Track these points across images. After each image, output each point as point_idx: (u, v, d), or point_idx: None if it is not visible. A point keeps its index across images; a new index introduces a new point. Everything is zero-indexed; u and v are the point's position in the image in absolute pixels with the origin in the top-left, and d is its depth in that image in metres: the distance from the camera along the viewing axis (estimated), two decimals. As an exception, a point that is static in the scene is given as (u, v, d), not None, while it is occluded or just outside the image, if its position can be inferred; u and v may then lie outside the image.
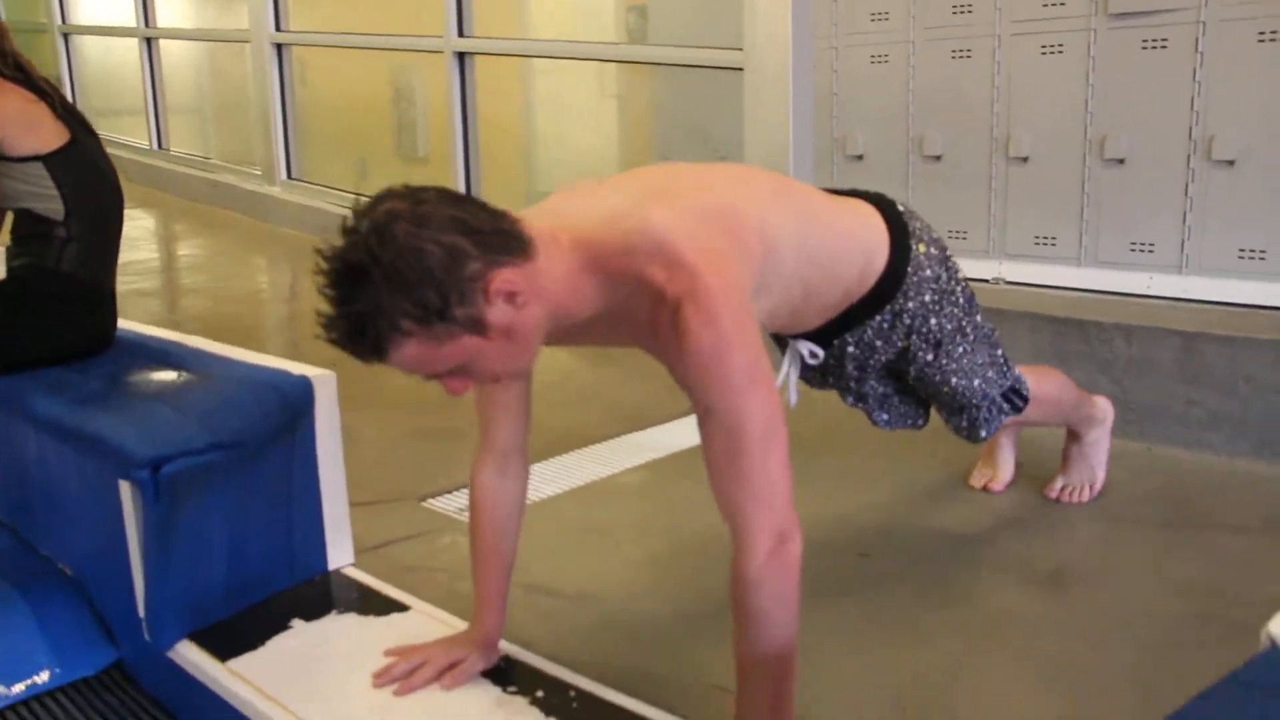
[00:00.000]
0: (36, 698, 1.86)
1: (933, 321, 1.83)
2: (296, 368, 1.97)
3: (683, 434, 2.72)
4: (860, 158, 3.84)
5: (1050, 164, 3.40)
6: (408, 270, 1.21)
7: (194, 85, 7.16)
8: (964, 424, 2.00)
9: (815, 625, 1.79)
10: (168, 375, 2.05)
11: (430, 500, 2.40)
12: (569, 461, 2.65)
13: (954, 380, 1.91)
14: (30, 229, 2.17)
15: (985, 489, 2.33)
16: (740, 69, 3.04)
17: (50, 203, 2.14)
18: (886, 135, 3.76)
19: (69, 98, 2.30)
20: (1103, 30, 3.23)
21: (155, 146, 7.19)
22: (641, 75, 4.63)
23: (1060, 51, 3.34)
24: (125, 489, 1.76)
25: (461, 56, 4.69)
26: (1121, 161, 3.25)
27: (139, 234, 5.82)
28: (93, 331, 2.21)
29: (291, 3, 5.81)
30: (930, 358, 1.86)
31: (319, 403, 1.92)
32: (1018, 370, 2.02)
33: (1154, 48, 3.13)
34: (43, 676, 1.89)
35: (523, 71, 5.09)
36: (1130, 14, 3.16)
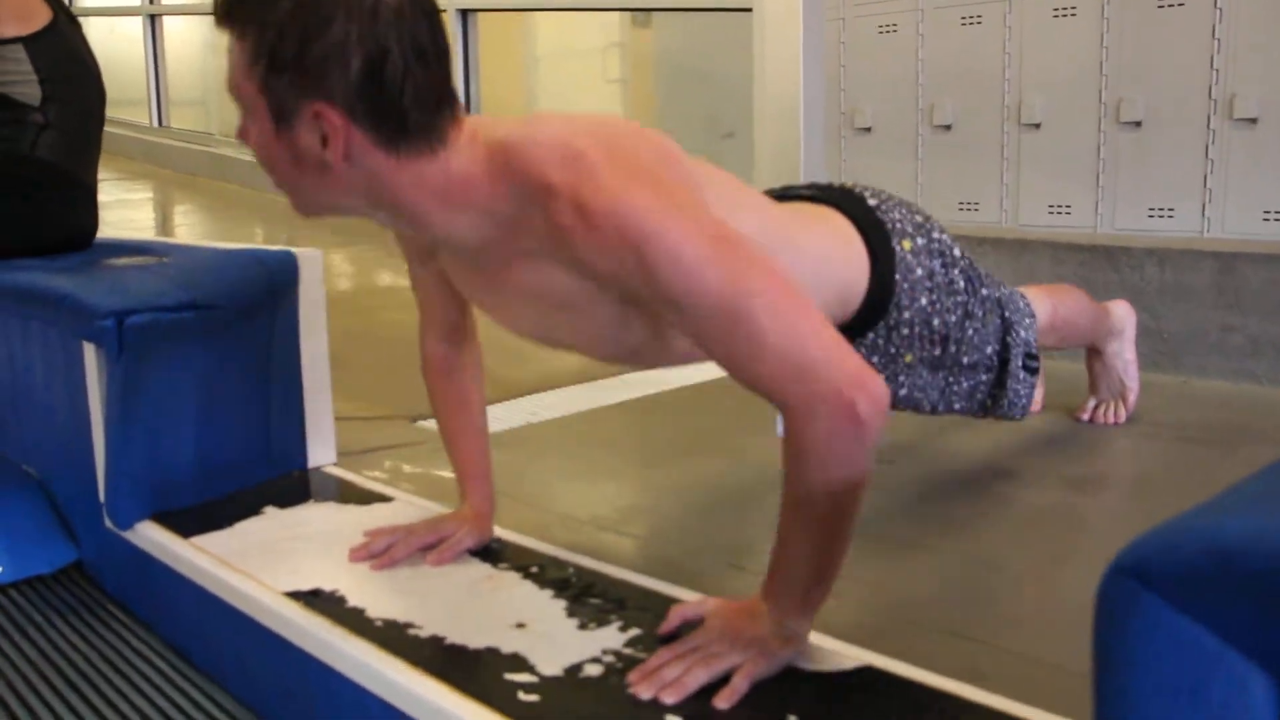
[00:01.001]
0: (-13, 590, 1.74)
1: (935, 322, 1.60)
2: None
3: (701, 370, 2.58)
4: (868, 130, 3.75)
5: (1064, 129, 3.32)
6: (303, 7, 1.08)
7: (198, 62, 7.12)
8: (994, 405, 1.80)
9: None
10: (148, 258, 1.93)
11: (423, 421, 2.27)
12: (573, 393, 2.52)
13: (965, 359, 1.69)
14: (6, 115, 2.07)
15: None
16: (749, 9, 2.97)
17: (27, 87, 2.05)
18: (895, 106, 3.68)
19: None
20: (1119, -10, 3.16)
21: (156, 124, 7.13)
22: (644, 60, 4.57)
23: (1073, 14, 3.26)
24: (89, 353, 1.64)
25: (465, 14, 4.62)
26: (1138, 124, 3.16)
27: (136, 200, 5.71)
28: (71, 224, 2.11)
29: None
30: (939, 353, 1.65)
31: (304, 280, 1.80)
32: (1027, 320, 1.79)
33: (1171, 5, 3.06)
34: (-5, 571, 1.77)
35: (526, 59, 5.03)
36: (1146, -29, 3.09)
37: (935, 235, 1.61)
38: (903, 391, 1.65)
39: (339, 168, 1.13)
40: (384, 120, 1.11)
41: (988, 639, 1.32)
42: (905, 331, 1.57)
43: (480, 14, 4.71)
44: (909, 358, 1.60)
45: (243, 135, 1.21)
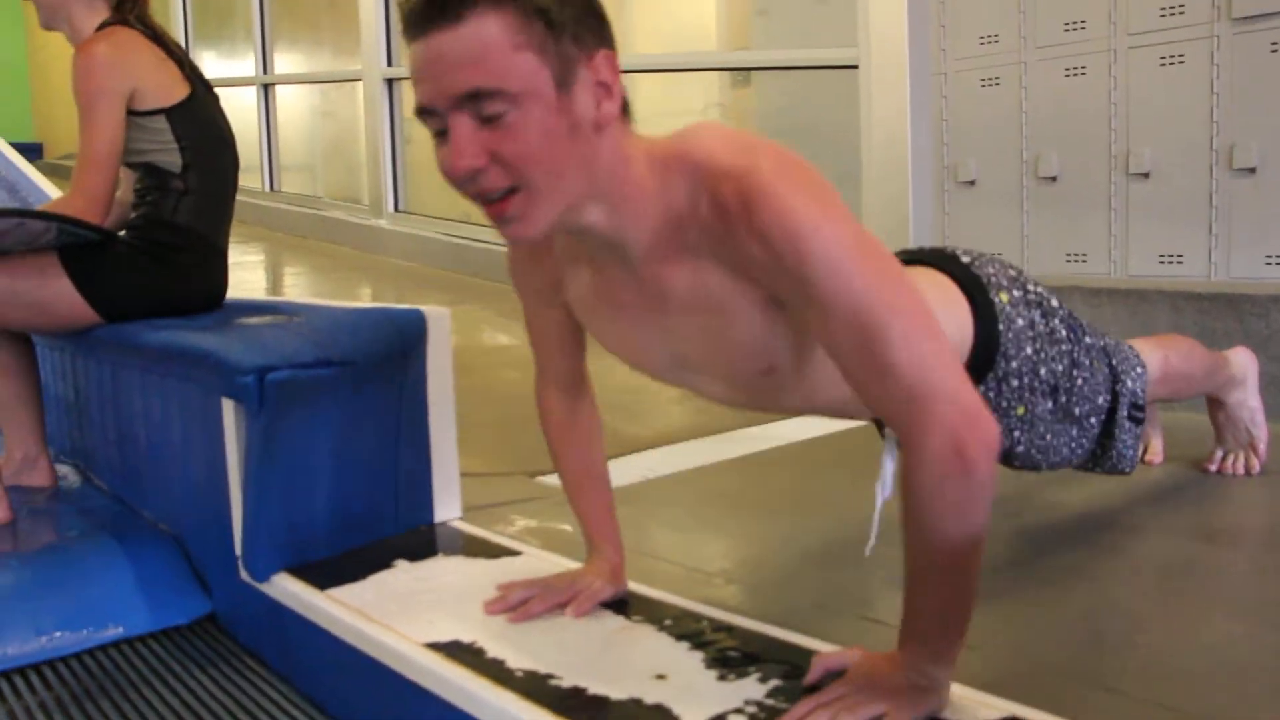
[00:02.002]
0: (128, 641, 1.80)
1: (1043, 371, 1.60)
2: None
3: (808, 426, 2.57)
4: (972, 183, 3.74)
5: (1174, 178, 3.27)
6: None
7: (306, 129, 7.38)
8: (1102, 457, 1.77)
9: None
10: (280, 317, 2.00)
11: (542, 477, 2.29)
12: (687, 448, 2.53)
13: (1077, 410, 1.67)
14: (150, 183, 2.18)
15: (1144, 462, 2.16)
16: (855, 66, 2.99)
17: (170, 155, 2.16)
18: (999, 158, 3.67)
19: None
20: (1226, 36, 3.12)
21: (268, 188, 7.39)
22: (746, 118, 4.61)
23: (1181, 61, 3.23)
24: (228, 409, 1.69)
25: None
26: (1253, 170, 3.10)
27: (249, 262, 5.91)
28: (205, 287, 2.20)
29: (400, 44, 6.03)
30: (1050, 406, 1.64)
31: (432, 338, 1.84)
32: (1137, 369, 1.77)
33: (1285, 49, 3.01)
34: (134, 622, 1.82)
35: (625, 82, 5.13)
36: (1256, 16, 3.05)
37: (1030, 287, 1.62)
38: (1020, 448, 1.62)
39: (607, 129, 1.13)
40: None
41: (1131, 691, 1.29)
42: (1015, 383, 1.56)
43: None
44: (1021, 410, 1.59)
45: (462, 156, 1.09)
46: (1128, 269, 3.41)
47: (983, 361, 1.54)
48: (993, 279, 1.57)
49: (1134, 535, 1.84)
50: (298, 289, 5.13)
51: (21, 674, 1.72)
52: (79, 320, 2.11)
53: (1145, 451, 2.18)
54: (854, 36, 3.17)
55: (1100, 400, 1.69)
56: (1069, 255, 3.52)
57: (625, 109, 1.16)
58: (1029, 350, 1.56)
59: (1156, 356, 1.85)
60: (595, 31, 1.11)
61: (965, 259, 1.60)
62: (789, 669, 1.24)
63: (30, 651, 1.75)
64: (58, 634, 1.78)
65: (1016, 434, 1.60)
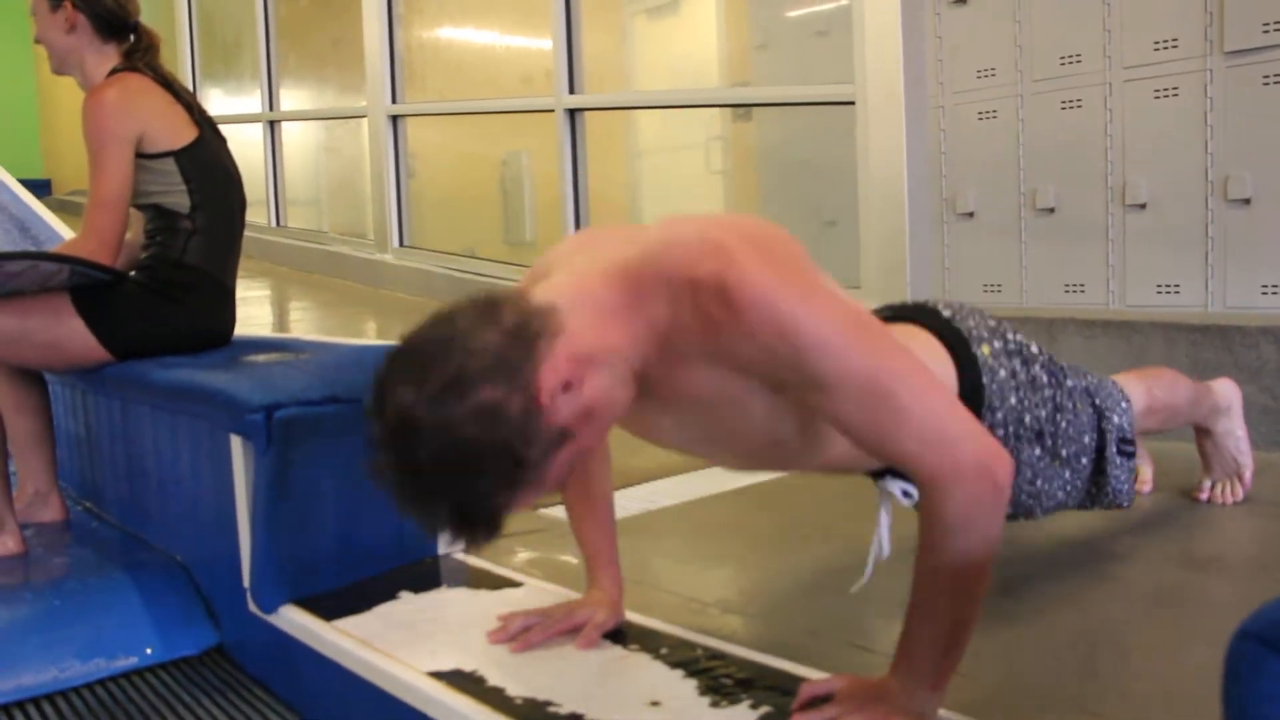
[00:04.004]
0: (138, 672, 1.84)
1: (1027, 419, 1.63)
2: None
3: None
4: (971, 214, 3.78)
5: (1170, 209, 3.30)
6: (461, 459, 1.10)
7: (312, 164, 7.47)
8: (1098, 494, 1.80)
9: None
10: (286, 355, 2.05)
11: (544, 509, 2.32)
12: (687, 480, 2.56)
13: (1064, 452, 1.70)
14: (159, 224, 2.23)
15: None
16: (851, 102, 3.04)
17: (178, 197, 2.21)
18: (997, 190, 3.71)
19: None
20: (1219, 69, 3.16)
21: (274, 224, 7.47)
22: (747, 152, 4.67)
23: (1175, 94, 3.27)
24: (236, 445, 1.74)
25: (572, 114, 4.80)
26: (1247, 201, 3.13)
27: (255, 297, 5.97)
28: (213, 324, 2.25)
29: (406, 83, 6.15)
30: (1038, 452, 1.67)
31: (433, 373, 1.88)
32: (1121, 405, 1.79)
33: (1276, 81, 3.05)
34: (145, 653, 1.87)
35: (629, 155, 5.19)
36: (1248, 50, 3.09)
37: (1010, 336, 1.65)
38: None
39: (589, 371, 1.18)
40: (526, 342, 1.15)
41: (1113, 716, 1.32)
42: (1000, 434, 1.59)
43: (586, 114, 4.89)
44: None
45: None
46: (1125, 299, 3.44)
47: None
48: (973, 332, 1.61)
49: (1122, 563, 1.87)
50: (304, 324, 5.18)
51: (35, 704, 1.76)
52: (91, 358, 2.17)
53: (1134, 480, 2.20)
54: (853, 71, 3.23)
55: (1087, 440, 1.72)
56: (1067, 285, 3.56)
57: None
58: (1013, 400, 1.60)
59: (1140, 390, 1.88)
60: (527, 410, 1.12)
61: (946, 313, 1.63)
62: (780, 695, 1.28)
63: (43, 682, 1.79)
64: (69, 665, 1.82)
65: None
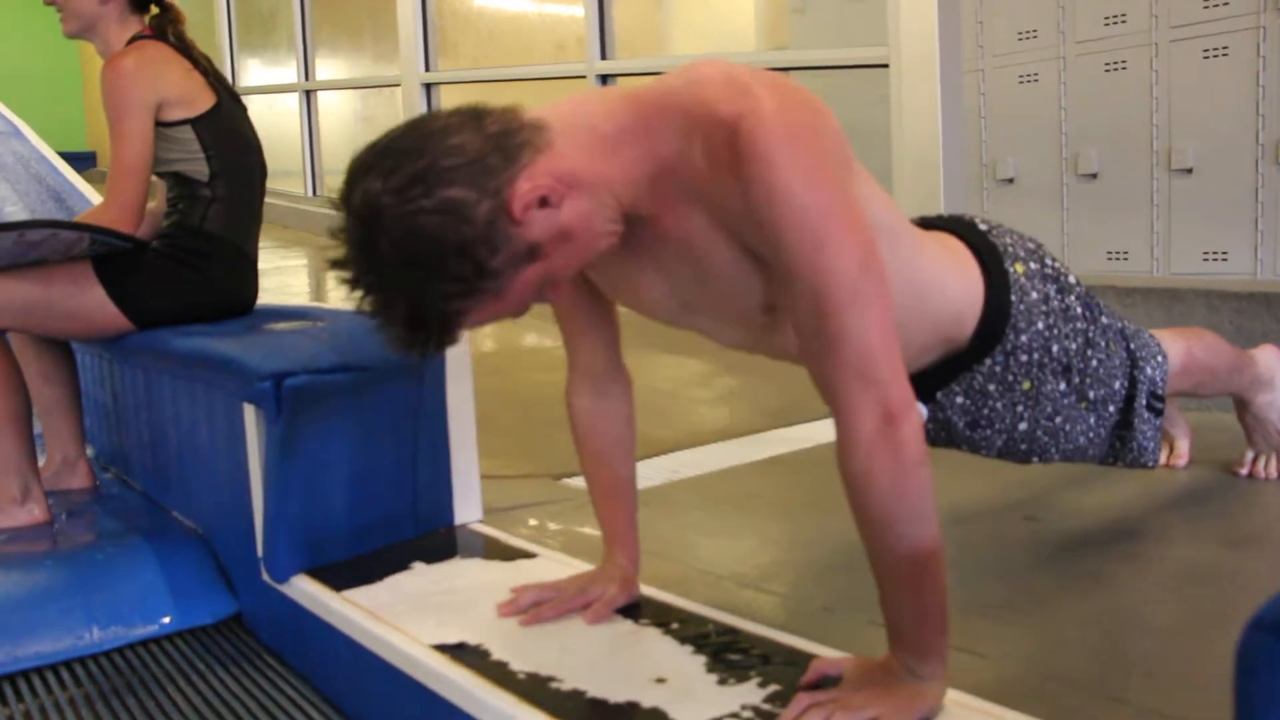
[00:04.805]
0: (156, 640, 1.84)
1: (1054, 349, 1.54)
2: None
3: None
4: (1011, 181, 3.70)
5: (1218, 174, 3.21)
6: (420, 254, 1.08)
7: (349, 134, 7.49)
8: (1122, 449, 1.72)
9: (987, 576, 1.65)
10: (305, 323, 2.03)
11: (568, 479, 2.30)
12: (713, 450, 2.53)
13: (1092, 393, 1.61)
14: (179, 192, 2.22)
15: (1168, 466, 2.11)
16: (885, 65, 2.97)
17: (197, 164, 2.19)
18: (1038, 156, 3.62)
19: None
20: (1274, 26, 3.05)
21: (310, 193, 7.50)
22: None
23: (1225, 54, 3.17)
24: (249, 414, 1.73)
25: (605, 80, 4.75)
26: (1299, 165, 3.04)
27: (292, 266, 5.99)
28: (235, 293, 2.24)
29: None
30: (1063, 386, 1.57)
31: (448, 342, 1.86)
32: (1157, 358, 1.71)
33: (1332, 41, 2.95)
34: (163, 622, 1.87)
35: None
36: (1304, 7, 2.98)
37: (1048, 261, 1.58)
38: (1023, 426, 1.57)
39: (570, 192, 1.15)
40: (504, 150, 1.13)
41: (1138, 701, 1.27)
42: (1024, 358, 1.52)
43: (620, 80, 4.84)
44: (1027, 385, 1.54)
45: (563, 288, 1.21)
46: (1170, 267, 3.35)
47: (991, 332, 1.50)
48: (1009, 248, 1.54)
49: (1155, 541, 1.81)
50: (338, 292, 5.20)
51: (54, 670, 1.77)
52: (112, 327, 2.16)
53: (1170, 454, 2.13)
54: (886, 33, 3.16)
55: (1117, 385, 1.63)
56: (1109, 253, 3.47)
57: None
58: (1040, 325, 1.53)
59: (1179, 346, 1.79)
60: (494, 213, 1.09)
61: (983, 226, 1.57)
62: (791, 674, 1.24)
63: (62, 649, 1.80)
64: (87, 632, 1.82)
65: (1021, 409, 1.56)
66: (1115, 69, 3.41)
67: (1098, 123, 3.47)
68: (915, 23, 2.84)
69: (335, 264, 1.14)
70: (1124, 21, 3.36)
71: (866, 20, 3.61)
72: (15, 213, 3.74)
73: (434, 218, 1.07)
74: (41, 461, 2.35)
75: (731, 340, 1.40)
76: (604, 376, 1.49)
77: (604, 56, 4.79)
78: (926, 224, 1.58)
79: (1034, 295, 1.52)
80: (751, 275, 1.22)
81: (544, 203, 1.12)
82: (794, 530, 2.02)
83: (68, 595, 1.88)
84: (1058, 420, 1.60)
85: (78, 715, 1.63)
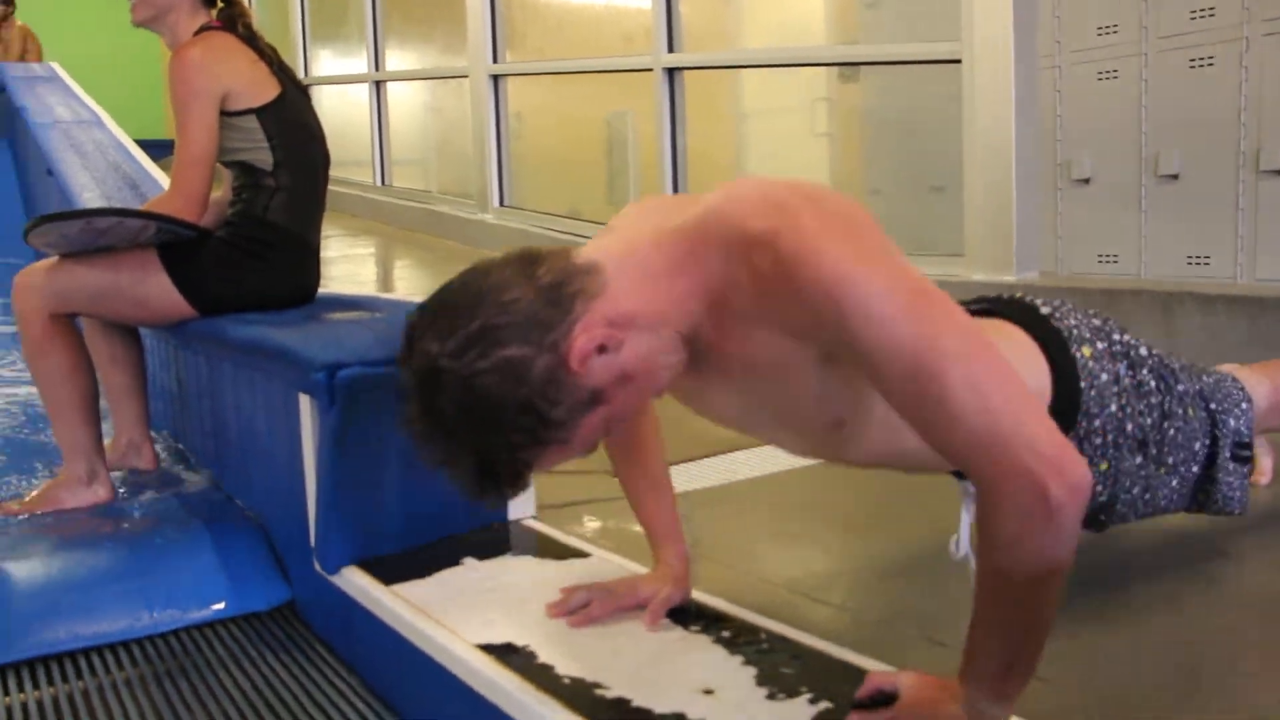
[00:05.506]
0: (211, 625, 1.86)
1: (1129, 427, 1.50)
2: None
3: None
4: (1087, 181, 3.59)
5: (1309, 177, 3.09)
6: (483, 413, 1.09)
7: (418, 124, 7.55)
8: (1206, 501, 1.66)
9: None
10: (364, 314, 2.04)
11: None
12: (770, 451, 2.47)
13: (1170, 459, 1.56)
14: (244, 181, 2.24)
15: (1250, 483, 2.03)
16: (958, 60, 2.89)
17: (261, 154, 2.21)
18: (1116, 156, 3.51)
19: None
20: (1369, 26, 2.93)
21: (379, 183, 7.57)
22: (852, 114, 4.53)
23: (1318, 52, 3.04)
24: (304, 404, 1.73)
25: (671, 73, 4.73)
26: (1395, 170, 2.91)
27: (360, 255, 6.05)
28: (296, 282, 2.26)
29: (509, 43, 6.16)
30: (1140, 460, 1.53)
31: (504, 336, 1.85)
32: (1241, 406, 1.65)
33: None
34: (218, 606, 1.89)
35: (733, 116, 5.09)
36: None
37: (1116, 337, 1.52)
38: (1102, 498, 1.52)
39: (630, 334, 1.15)
40: (559, 300, 1.13)
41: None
42: (1098, 440, 1.47)
43: (687, 72, 4.80)
44: (1104, 465, 1.50)
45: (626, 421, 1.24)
46: (1256, 273, 3.24)
47: (1063, 420, 1.43)
48: (1074, 331, 1.48)
49: (1233, 563, 1.73)
50: (405, 281, 5.23)
51: (112, 650, 1.79)
52: (176, 314, 2.19)
53: (1252, 471, 2.04)
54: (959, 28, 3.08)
55: (1197, 446, 1.58)
56: (1190, 258, 3.36)
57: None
58: (1113, 407, 1.48)
59: (1265, 387, 1.73)
60: (552, 368, 1.09)
61: (1045, 310, 1.51)
62: (843, 689, 1.20)
63: (120, 629, 1.82)
64: (143, 615, 1.84)
65: (1099, 488, 1.51)
66: (1201, 65, 3.30)
67: (1181, 122, 3.36)
68: (989, 17, 2.76)
69: (405, 420, 1.16)
70: (1212, 15, 3.25)
71: (942, 15, 3.54)
72: (91, 199, 3.81)
73: (492, 377, 1.08)
74: (107, 443, 2.38)
75: (804, 451, 1.40)
76: None
77: (671, 49, 4.76)
78: (980, 310, 1.53)
79: (1104, 377, 1.47)
80: (821, 389, 1.20)
81: (602, 349, 1.11)
82: (853, 539, 1.97)
83: (127, 577, 1.91)
84: (1135, 491, 1.55)
85: (133, 695, 1.65)
